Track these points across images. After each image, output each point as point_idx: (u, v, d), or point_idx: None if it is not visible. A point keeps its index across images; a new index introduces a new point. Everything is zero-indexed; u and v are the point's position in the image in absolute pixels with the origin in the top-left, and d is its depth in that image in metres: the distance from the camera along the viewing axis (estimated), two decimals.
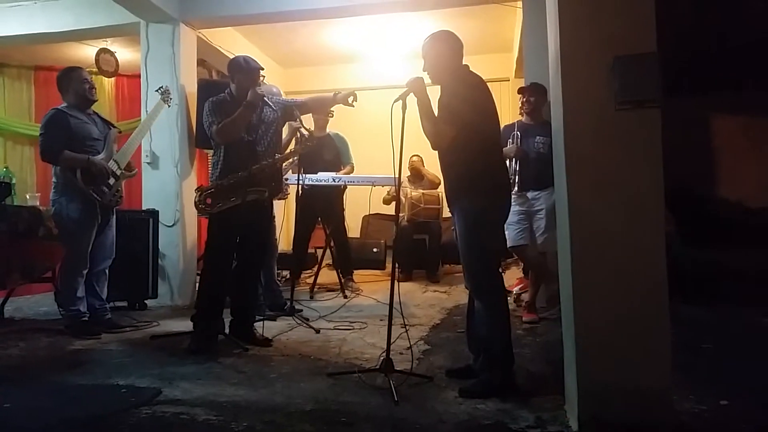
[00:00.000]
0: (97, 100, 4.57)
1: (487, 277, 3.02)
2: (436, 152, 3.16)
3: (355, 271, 6.52)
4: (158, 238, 5.52)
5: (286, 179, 5.26)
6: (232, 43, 7.27)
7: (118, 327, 4.49)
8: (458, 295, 5.87)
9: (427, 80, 3.16)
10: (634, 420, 2.35)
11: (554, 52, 2.70)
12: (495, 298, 3.02)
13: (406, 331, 3.55)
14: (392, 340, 3.17)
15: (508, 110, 7.48)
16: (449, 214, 3.42)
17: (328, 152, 6.04)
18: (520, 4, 5.66)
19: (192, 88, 6.02)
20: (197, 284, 4.31)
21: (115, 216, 4.62)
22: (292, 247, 5.65)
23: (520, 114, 4.85)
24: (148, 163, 5.87)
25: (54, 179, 4.39)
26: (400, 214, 6.21)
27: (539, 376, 3.22)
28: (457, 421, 2.59)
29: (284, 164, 4.94)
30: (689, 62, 5.40)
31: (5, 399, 2.93)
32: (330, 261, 6.59)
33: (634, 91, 2.45)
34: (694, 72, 5.66)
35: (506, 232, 4.56)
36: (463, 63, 3.18)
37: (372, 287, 6.36)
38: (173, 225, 5.72)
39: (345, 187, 6.20)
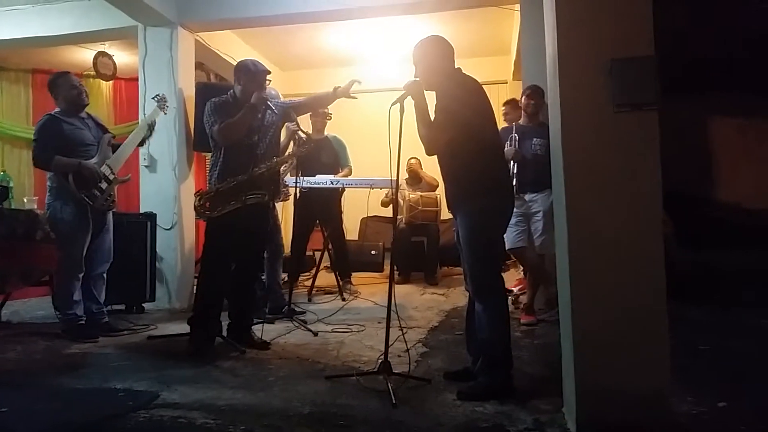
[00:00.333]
0: (87, 104, 4.55)
1: (489, 279, 3.02)
2: (434, 155, 3.16)
3: (354, 274, 6.51)
4: (156, 242, 5.51)
5: (285, 182, 5.26)
6: (230, 46, 7.27)
7: (115, 330, 4.49)
8: (456, 297, 5.87)
9: None
10: (632, 422, 2.34)
11: (551, 55, 2.70)
12: (495, 301, 3.02)
13: (404, 333, 3.54)
14: (390, 343, 3.16)
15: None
16: (447, 216, 3.43)
17: (326, 155, 6.04)
18: (517, 6, 5.66)
19: (190, 92, 6.02)
20: (195, 287, 4.29)
21: (112, 220, 4.61)
22: (290, 249, 5.63)
23: (525, 113, 4.83)
24: (146, 166, 5.86)
25: (49, 183, 4.39)
26: (398, 217, 6.22)
27: (537, 379, 3.22)
28: (456, 424, 2.59)
29: (283, 167, 4.94)
30: (687, 64, 5.41)
31: (2, 403, 2.92)
32: (328, 263, 6.59)
33: (631, 93, 2.45)
34: (692, 74, 5.67)
35: (504, 235, 4.58)
36: (456, 66, 3.18)
37: (370, 290, 6.35)
38: (171, 228, 5.71)
39: (343, 189, 6.20)
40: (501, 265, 3.33)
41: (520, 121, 4.82)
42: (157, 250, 5.54)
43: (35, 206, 5.32)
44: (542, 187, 4.39)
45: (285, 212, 7.09)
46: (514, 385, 2.97)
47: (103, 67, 7.41)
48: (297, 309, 4.93)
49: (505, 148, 4.60)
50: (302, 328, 4.52)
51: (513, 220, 4.54)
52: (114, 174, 4.45)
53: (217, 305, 4.02)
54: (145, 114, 4.98)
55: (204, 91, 5.65)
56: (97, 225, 4.42)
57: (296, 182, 4.75)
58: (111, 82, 8.19)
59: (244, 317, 4.08)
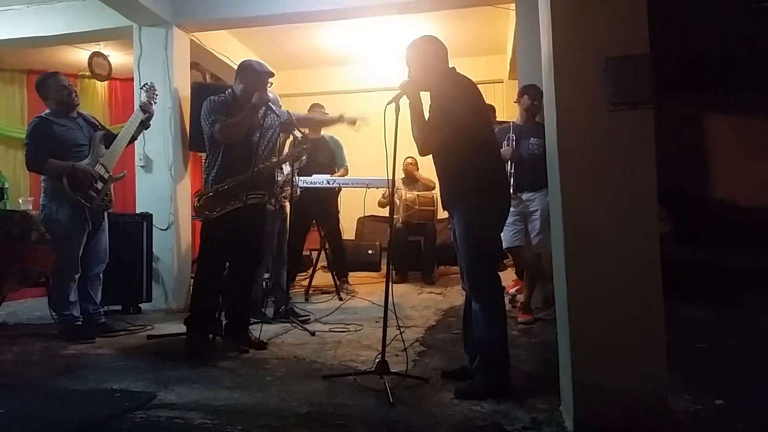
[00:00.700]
0: (78, 104, 4.52)
1: (485, 278, 3.02)
2: (430, 155, 3.16)
3: (350, 273, 6.51)
4: (152, 242, 5.50)
5: (295, 182, 5.20)
6: (226, 46, 7.27)
7: (112, 331, 4.47)
8: (453, 296, 5.88)
9: None
10: (629, 420, 2.35)
11: (547, 54, 2.70)
12: (492, 300, 3.02)
13: (402, 332, 3.54)
14: (388, 342, 3.16)
15: (503, 112, 7.52)
16: (444, 216, 3.43)
17: (323, 155, 6.04)
18: (513, 6, 5.67)
19: (185, 92, 6.00)
20: (191, 287, 4.28)
21: (107, 220, 4.60)
22: (286, 249, 5.63)
23: (526, 113, 4.81)
24: (141, 166, 5.85)
25: (43, 184, 4.37)
26: (395, 216, 6.22)
27: (535, 377, 3.22)
28: (453, 423, 2.59)
29: (290, 167, 4.98)
30: (682, 63, 5.42)
31: None
32: (325, 263, 6.59)
33: (627, 92, 2.45)
34: (688, 73, 5.68)
35: (501, 234, 4.58)
36: (450, 66, 3.18)
37: (367, 289, 6.35)
38: (167, 228, 5.70)
39: (339, 189, 6.20)
40: (498, 264, 3.33)
41: (517, 121, 4.81)
42: (154, 250, 5.53)
43: (30, 207, 5.32)
44: (539, 187, 4.38)
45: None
46: (512, 383, 2.97)
47: (98, 68, 7.40)
48: (296, 310, 4.91)
49: (503, 148, 4.61)
50: (299, 327, 4.52)
51: (510, 219, 4.54)
52: (109, 172, 4.43)
53: (214, 305, 4.02)
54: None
55: (199, 91, 5.64)
56: (93, 225, 4.41)
57: (292, 182, 4.75)
58: (106, 82, 8.17)
59: (241, 317, 4.08)
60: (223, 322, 4.03)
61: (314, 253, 6.65)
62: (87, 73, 7.64)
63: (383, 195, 7.11)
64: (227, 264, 4.17)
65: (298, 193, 5.14)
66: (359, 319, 4.84)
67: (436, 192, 6.38)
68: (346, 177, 6.16)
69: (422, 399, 2.90)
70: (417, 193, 7.05)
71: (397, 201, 6.78)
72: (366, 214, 7.69)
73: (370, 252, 7.33)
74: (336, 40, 7.99)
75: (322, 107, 6.14)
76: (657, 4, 2.61)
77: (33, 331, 4.66)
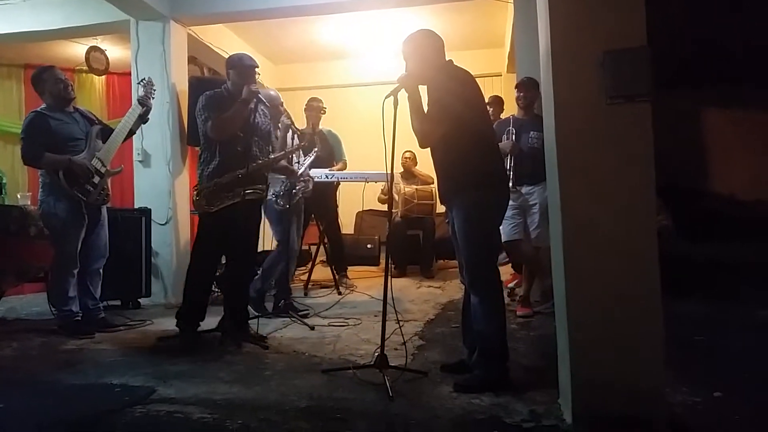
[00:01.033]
0: (74, 98, 4.51)
1: (484, 271, 3.02)
2: (428, 148, 3.16)
3: (349, 268, 6.52)
4: (151, 237, 5.50)
5: (308, 174, 5.18)
6: (223, 40, 7.24)
7: (111, 326, 4.48)
8: (452, 290, 5.88)
9: None
10: (628, 412, 2.36)
11: (545, 47, 2.70)
12: (491, 293, 3.02)
13: (401, 326, 3.54)
14: (387, 336, 3.17)
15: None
16: (443, 209, 3.43)
17: (321, 149, 6.00)
18: None
19: (183, 86, 5.99)
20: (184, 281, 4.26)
21: (106, 215, 4.59)
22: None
23: (518, 106, 4.83)
24: (139, 161, 5.84)
25: (41, 179, 4.36)
26: (394, 210, 6.22)
27: (533, 370, 3.23)
28: (452, 416, 2.60)
29: (305, 159, 5.03)
30: (680, 57, 5.41)
31: None
32: (324, 257, 6.59)
33: (624, 85, 2.45)
34: (685, 66, 5.68)
35: (500, 227, 4.59)
36: (448, 59, 3.17)
37: (366, 283, 6.36)
38: (166, 223, 5.69)
39: (338, 183, 6.20)
40: (497, 258, 3.33)
41: (517, 114, 4.81)
42: (153, 245, 5.52)
43: (29, 202, 5.30)
44: (539, 180, 4.37)
45: None
46: (510, 377, 2.98)
47: (95, 62, 7.37)
48: (296, 304, 4.91)
49: (503, 141, 4.61)
50: (299, 322, 4.52)
51: (509, 213, 4.56)
52: (105, 166, 4.41)
53: (206, 299, 4.10)
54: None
55: (197, 86, 5.63)
56: (91, 220, 4.39)
57: (301, 176, 4.75)
58: (103, 77, 8.15)
59: (240, 312, 4.08)
60: (221, 318, 4.04)
61: (313, 248, 6.64)
62: (84, 68, 7.61)
63: (382, 191, 7.11)
64: (222, 259, 4.19)
65: (310, 187, 5.12)
66: (358, 313, 4.85)
67: (435, 186, 6.40)
68: (344, 171, 6.15)
69: (421, 393, 2.91)
70: (416, 187, 7.04)
71: (396, 195, 6.77)
72: (365, 209, 7.68)
73: (368, 246, 7.32)
74: (333, 34, 7.97)
75: (320, 101, 6.13)
76: None
77: (32, 327, 4.66)
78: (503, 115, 5.50)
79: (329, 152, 6.15)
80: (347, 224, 7.66)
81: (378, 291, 5.27)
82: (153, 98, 4.66)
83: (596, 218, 2.47)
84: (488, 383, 2.88)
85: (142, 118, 4.59)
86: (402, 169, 7.23)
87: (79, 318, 4.37)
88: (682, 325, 3.85)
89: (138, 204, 5.72)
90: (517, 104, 4.81)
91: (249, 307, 4.46)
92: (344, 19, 7.16)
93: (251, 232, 4.12)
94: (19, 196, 5.57)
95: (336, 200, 6.34)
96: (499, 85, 8.11)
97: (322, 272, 6.61)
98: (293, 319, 4.60)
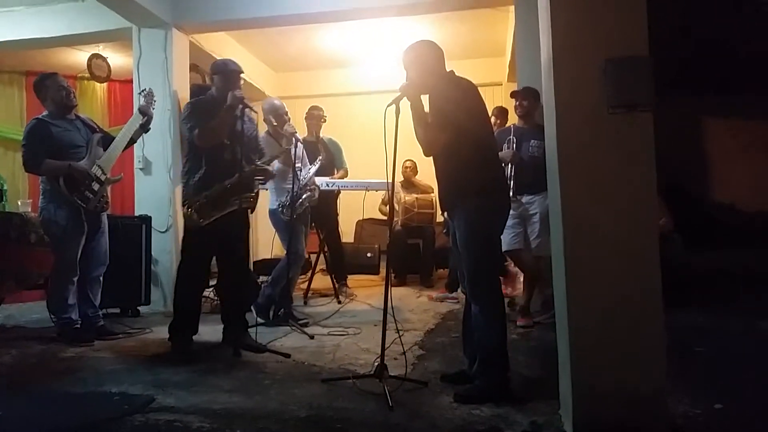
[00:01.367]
0: (76, 105, 4.51)
1: (486, 280, 3.02)
2: (430, 157, 3.16)
3: (349, 276, 6.50)
4: (151, 244, 5.48)
5: (315, 183, 5.19)
6: (225, 47, 7.26)
7: (111, 334, 4.46)
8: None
9: None
10: (629, 423, 2.35)
11: (546, 55, 2.70)
12: (493, 302, 3.01)
13: (401, 336, 3.53)
14: (387, 346, 3.16)
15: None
16: (443, 219, 3.44)
17: (323, 157, 6.01)
18: (512, 8, 5.67)
19: (184, 93, 6.00)
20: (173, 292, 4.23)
21: (106, 222, 4.59)
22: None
23: (517, 115, 4.84)
24: (140, 168, 5.84)
25: (42, 186, 4.36)
26: (394, 219, 6.21)
27: (534, 381, 3.22)
28: (452, 427, 2.59)
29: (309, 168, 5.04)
30: (681, 64, 5.42)
31: None
32: (324, 266, 6.58)
33: (626, 94, 2.45)
34: (686, 74, 5.69)
35: (501, 236, 4.58)
36: (449, 69, 3.17)
37: (366, 292, 6.35)
38: (166, 231, 5.69)
39: (339, 191, 6.19)
40: (498, 267, 3.33)
41: (517, 123, 4.81)
42: (153, 253, 5.51)
43: (29, 209, 5.30)
44: (539, 189, 4.37)
45: None
46: (511, 387, 2.96)
47: (97, 69, 7.40)
48: (295, 313, 4.90)
49: (503, 150, 4.61)
50: (298, 330, 4.51)
51: (510, 222, 4.53)
52: (106, 174, 4.40)
53: (197, 308, 4.08)
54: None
55: (199, 93, 5.59)
56: (91, 227, 4.38)
57: (293, 186, 4.74)
58: (105, 84, 8.17)
59: (238, 321, 4.05)
60: (221, 328, 4.03)
61: (313, 256, 6.63)
62: (86, 75, 7.63)
63: (383, 200, 7.10)
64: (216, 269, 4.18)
65: (316, 196, 5.10)
66: (358, 322, 4.84)
67: (435, 195, 6.39)
68: (345, 179, 6.15)
69: (421, 403, 2.90)
70: (416, 196, 7.05)
71: (396, 204, 6.77)
72: (365, 217, 7.68)
73: (369, 255, 7.32)
74: (335, 42, 7.99)
75: (320, 109, 6.13)
76: (656, 6, 2.61)
77: (31, 334, 4.65)
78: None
79: (330, 160, 6.14)
80: (347, 233, 7.65)
81: (378, 300, 5.27)
82: (153, 108, 4.66)
83: (597, 226, 2.46)
84: (489, 394, 2.87)
85: (144, 128, 4.59)
86: (402, 179, 7.23)
87: (79, 325, 4.36)
88: (682, 335, 3.84)
89: (138, 211, 5.71)
90: (516, 113, 4.83)
91: (255, 314, 4.48)
92: (345, 28, 7.18)
93: (240, 239, 4.07)
94: (19, 203, 5.57)
95: (336, 209, 6.34)
96: (500, 94, 8.12)
97: (321, 281, 6.59)
98: (293, 328, 4.58)
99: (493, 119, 5.32)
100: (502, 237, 4.53)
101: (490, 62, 8.35)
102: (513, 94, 4.87)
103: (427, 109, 3.07)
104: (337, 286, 6.06)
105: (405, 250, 6.93)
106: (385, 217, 7.23)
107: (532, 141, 4.59)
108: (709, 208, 6.19)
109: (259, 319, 4.55)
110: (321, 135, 6.16)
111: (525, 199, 4.63)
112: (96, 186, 4.32)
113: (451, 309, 5.37)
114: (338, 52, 8.40)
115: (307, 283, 6.20)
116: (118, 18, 5.74)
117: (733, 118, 6.45)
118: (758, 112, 6.34)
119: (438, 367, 3.51)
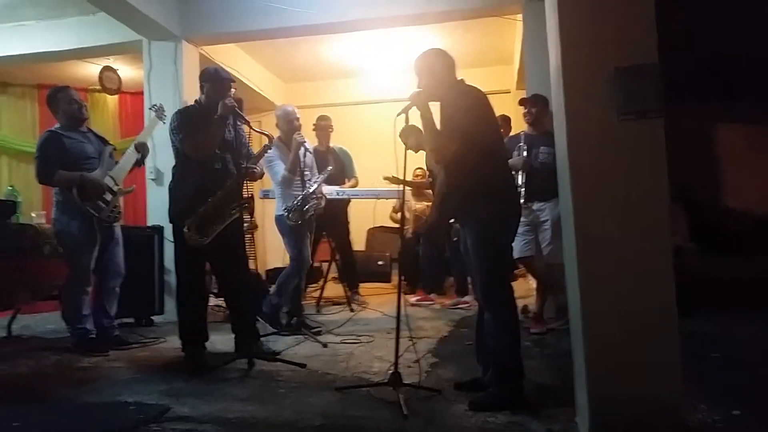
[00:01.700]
0: (87, 118, 4.56)
1: (498, 288, 3.02)
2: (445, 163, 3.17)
3: (361, 284, 6.51)
4: (164, 255, 5.51)
5: (322, 192, 5.20)
6: (234, 59, 7.32)
7: (125, 344, 4.49)
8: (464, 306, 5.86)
9: None
10: (646, 430, 2.34)
11: (555, 64, 2.71)
12: (505, 310, 3.01)
13: (414, 344, 3.54)
14: (400, 353, 3.16)
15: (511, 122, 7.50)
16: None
17: (333, 166, 6.03)
18: (519, 16, 5.69)
19: None
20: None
21: (120, 234, 4.62)
22: None
23: (526, 123, 4.85)
24: (152, 179, 5.89)
25: (55, 198, 4.41)
26: (405, 227, 6.22)
27: (549, 388, 3.21)
28: None
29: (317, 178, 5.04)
30: (690, 71, 5.41)
31: (15, 417, 2.92)
32: (335, 274, 6.59)
33: (636, 101, 2.45)
34: (695, 81, 5.67)
35: (513, 243, 4.57)
36: (459, 78, 3.19)
37: (378, 300, 6.35)
38: None
39: (349, 200, 6.21)
40: (510, 274, 3.32)
41: (527, 130, 4.82)
42: (165, 263, 5.53)
43: (43, 221, 5.34)
44: (550, 196, 4.36)
45: None
46: (526, 395, 2.95)
47: (108, 82, 7.48)
48: (308, 321, 4.91)
49: (514, 158, 4.62)
50: (311, 339, 4.52)
51: (521, 230, 4.53)
52: (118, 185, 4.45)
53: (201, 314, 4.04)
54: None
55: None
56: (104, 238, 4.42)
57: (303, 194, 4.76)
58: (116, 96, 8.25)
59: (248, 331, 4.00)
60: (232, 337, 4.03)
61: (324, 265, 6.65)
62: (97, 87, 7.72)
63: (394, 208, 7.11)
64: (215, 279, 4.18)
65: (322, 204, 5.11)
66: (371, 330, 4.84)
67: None
68: (356, 188, 6.16)
69: (436, 411, 2.89)
70: (426, 203, 7.04)
71: (407, 212, 6.77)
72: (376, 225, 7.69)
73: (380, 263, 7.34)
74: (343, 52, 8.04)
75: (327, 119, 6.13)
76: (665, 11, 2.61)
77: (47, 345, 4.68)
78: (513, 132, 5.51)
79: (340, 169, 6.16)
80: (358, 241, 7.66)
81: (390, 308, 5.28)
82: (164, 123, 4.70)
83: (610, 233, 2.46)
84: (503, 401, 2.86)
85: (138, 163, 4.65)
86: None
87: (94, 336, 4.39)
88: (697, 341, 3.82)
89: (151, 222, 5.75)
90: (525, 120, 4.84)
91: (266, 323, 4.48)
92: (354, 38, 7.22)
93: (237, 246, 4.01)
94: (33, 215, 5.62)
95: (347, 217, 6.35)
96: (508, 102, 8.12)
97: (333, 289, 6.60)
98: (306, 336, 4.59)
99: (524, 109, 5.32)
100: (513, 244, 4.56)
101: (499, 70, 8.36)
102: (521, 102, 4.88)
103: (436, 117, 3.08)
104: (349, 294, 6.07)
105: (416, 258, 6.92)
106: (396, 225, 7.24)
107: (542, 148, 4.58)
108: (722, 215, 6.14)
109: (270, 328, 4.58)
110: (332, 144, 6.18)
111: (536, 206, 4.63)
112: (108, 196, 4.36)
113: (464, 316, 5.37)
114: (347, 62, 8.44)
115: (319, 291, 6.22)
116: (129, 31, 5.80)
117: (745, 124, 6.41)
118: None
119: (452, 374, 3.50)
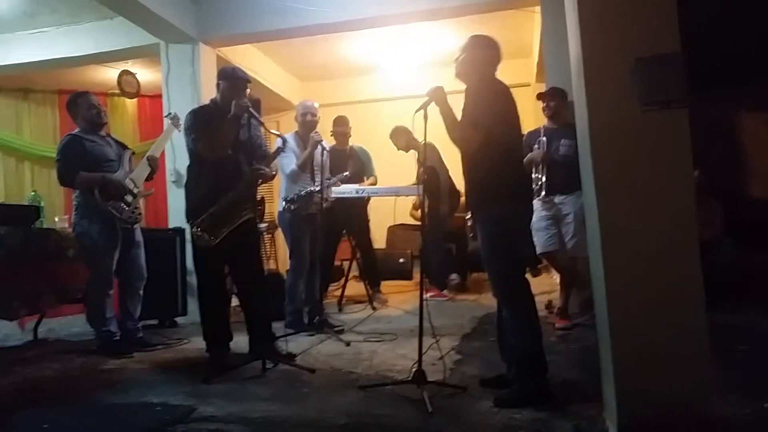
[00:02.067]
0: (106, 123, 4.60)
1: (512, 283, 3.01)
2: (459, 161, 3.16)
3: (382, 282, 6.50)
4: (186, 256, 5.54)
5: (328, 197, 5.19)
6: (251, 59, 7.33)
7: (149, 345, 4.53)
8: (487, 303, 5.79)
9: (448, 87, 3.14)
10: (674, 425, 2.30)
11: (576, 56, 2.67)
12: (521, 304, 3.00)
13: (437, 341, 3.52)
14: (423, 351, 3.15)
15: (529, 116, 7.45)
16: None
17: (352, 165, 6.02)
18: (538, 9, 5.64)
19: None
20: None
21: (141, 237, 4.66)
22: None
23: (546, 116, 4.80)
24: (173, 181, 5.92)
25: (75, 202, 4.45)
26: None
27: (575, 384, 3.17)
28: (493, 431, 2.56)
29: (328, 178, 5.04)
30: (713, 59, 5.31)
31: (43, 420, 2.97)
32: (357, 273, 6.59)
33: (659, 91, 2.41)
34: (719, 69, 5.58)
35: (535, 238, 4.54)
36: (495, 73, 3.16)
37: (399, 298, 6.35)
38: None
39: (369, 198, 6.20)
40: (524, 269, 3.30)
41: (547, 124, 4.77)
42: (187, 264, 5.56)
43: (66, 225, 5.39)
44: (572, 189, 4.31)
45: None
46: (552, 390, 2.93)
47: (127, 86, 7.53)
48: (330, 320, 4.92)
49: (534, 151, 4.58)
50: (334, 338, 4.52)
51: (543, 224, 4.54)
52: (138, 187, 4.50)
53: (224, 314, 4.07)
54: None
55: None
56: (125, 240, 4.46)
57: (322, 193, 4.76)
58: (135, 99, 8.31)
59: (264, 332, 3.97)
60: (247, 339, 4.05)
61: (346, 264, 6.65)
62: (116, 91, 7.78)
63: (414, 205, 7.09)
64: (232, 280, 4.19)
65: (328, 201, 5.09)
66: (393, 328, 4.82)
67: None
68: (375, 186, 6.15)
69: (461, 408, 2.88)
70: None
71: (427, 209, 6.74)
72: (396, 223, 7.67)
73: (401, 260, 7.32)
74: (360, 50, 8.02)
75: (344, 124, 6.06)
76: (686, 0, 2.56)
77: (73, 347, 4.73)
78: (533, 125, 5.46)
79: (360, 168, 6.14)
80: (379, 239, 7.64)
81: (412, 305, 5.26)
82: (179, 131, 4.73)
83: (635, 226, 2.42)
84: (528, 397, 2.84)
85: (148, 177, 4.68)
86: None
87: (118, 338, 4.43)
88: (726, 334, 3.75)
89: (172, 224, 5.79)
90: (544, 114, 4.79)
91: (293, 330, 4.55)
92: (371, 35, 7.19)
93: (252, 249, 4.02)
94: (56, 220, 5.67)
95: (367, 215, 6.33)
96: (527, 95, 8.06)
97: (355, 288, 6.60)
98: (329, 335, 4.59)
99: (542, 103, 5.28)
100: (536, 239, 4.53)
101: (517, 63, 8.28)
102: (539, 96, 4.83)
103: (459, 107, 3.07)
104: (370, 292, 6.06)
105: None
106: (416, 223, 7.21)
107: (563, 140, 4.53)
108: (754, 207, 6.02)
109: (288, 330, 4.60)
110: (351, 143, 6.15)
111: (557, 199, 4.57)
112: (129, 198, 4.40)
113: (487, 312, 5.32)
114: (363, 59, 8.43)
115: (340, 290, 6.22)
116: (146, 35, 5.84)
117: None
118: None
119: (476, 371, 3.48)
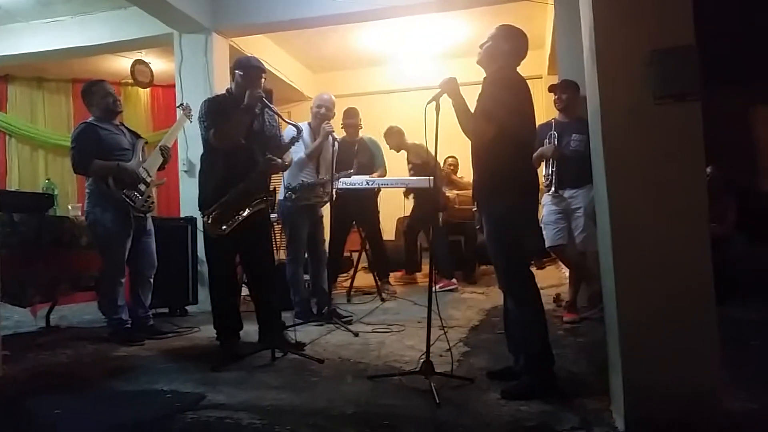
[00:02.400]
0: (121, 111, 4.63)
1: (517, 276, 3.01)
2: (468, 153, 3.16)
3: (391, 274, 6.51)
4: (197, 245, 5.57)
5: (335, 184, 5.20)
6: (264, 50, 7.34)
7: (160, 333, 4.57)
8: (496, 295, 5.79)
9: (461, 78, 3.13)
10: (682, 419, 2.30)
11: (588, 47, 2.66)
12: (526, 298, 3.00)
13: (445, 333, 3.52)
14: (431, 342, 3.16)
15: (541, 108, 7.43)
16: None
17: (362, 156, 6.03)
18: (550, 0, 5.60)
19: None
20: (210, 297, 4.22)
21: (152, 226, 4.70)
22: (327, 251, 5.64)
23: (557, 109, 4.78)
24: (185, 171, 5.95)
25: (87, 190, 4.47)
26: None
27: (582, 377, 3.17)
28: (501, 423, 2.58)
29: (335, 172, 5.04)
30: (726, 53, 5.27)
31: (56, 405, 3.01)
32: (366, 264, 6.60)
33: (672, 84, 2.39)
34: (731, 63, 5.53)
35: (544, 232, 4.53)
36: (516, 67, 3.15)
37: (407, 289, 6.35)
38: None
39: (379, 189, 6.20)
40: (530, 262, 3.30)
41: (558, 117, 4.74)
42: (199, 253, 5.59)
43: (79, 213, 5.44)
44: (582, 183, 4.30)
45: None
46: (559, 383, 2.93)
47: (140, 75, 7.57)
48: (339, 311, 4.93)
49: (544, 146, 4.56)
50: (343, 328, 4.54)
51: (552, 218, 4.53)
52: (151, 176, 4.53)
53: (234, 304, 4.10)
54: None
55: None
56: (137, 228, 4.49)
57: (332, 184, 4.77)
58: (148, 89, 8.35)
59: (273, 322, 3.97)
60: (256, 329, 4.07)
61: (355, 255, 6.66)
62: (130, 81, 7.83)
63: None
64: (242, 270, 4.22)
65: (334, 193, 5.09)
66: (401, 319, 4.84)
67: None
68: (385, 177, 6.14)
69: (468, 399, 2.89)
70: (457, 192, 7.01)
71: None
72: (406, 214, 7.67)
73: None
74: (372, 41, 8.02)
75: (354, 117, 6.04)
76: None
77: (85, 334, 4.78)
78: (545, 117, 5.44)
79: (370, 159, 6.15)
80: (388, 230, 7.65)
81: (420, 297, 5.27)
82: (191, 121, 4.76)
83: (646, 220, 2.42)
84: (535, 389, 2.84)
85: (161, 166, 4.73)
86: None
87: (129, 325, 4.47)
88: (737, 328, 3.74)
89: (184, 213, 5.81)
90: (555, 107, 4.76)
91: (302, 320, 4.57)
92: (383, 26, 7.18)
93: (261, 239, 3.99)
94: (69, 208, 5.72)
95: (377, 206, 6.34)
96: (539, 87, 8.02)
97: (364, 279, 6.62)
98: (337, 325, 4.61)
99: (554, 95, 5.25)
100: (545, 233, 4.53)
101: (529, 55, 8.08)
102: (551, 89, 4.80)
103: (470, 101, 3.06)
104: (379, 283, 6.07)
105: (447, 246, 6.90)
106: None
107: (574, 135, 4.49)
108: (767, 201, 5.97)
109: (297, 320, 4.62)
110: (361, 134, 6.13)
111: (567, 193, 4.54)
112: (143, 187, 4.43)
113: (495, 305, 5.33)
114: (375, 51, 8.42)
115: (349, 281, 6.24)
116: (160, 24, 5.86)
117: None
118: None
119: (484, 363, 3.49)
